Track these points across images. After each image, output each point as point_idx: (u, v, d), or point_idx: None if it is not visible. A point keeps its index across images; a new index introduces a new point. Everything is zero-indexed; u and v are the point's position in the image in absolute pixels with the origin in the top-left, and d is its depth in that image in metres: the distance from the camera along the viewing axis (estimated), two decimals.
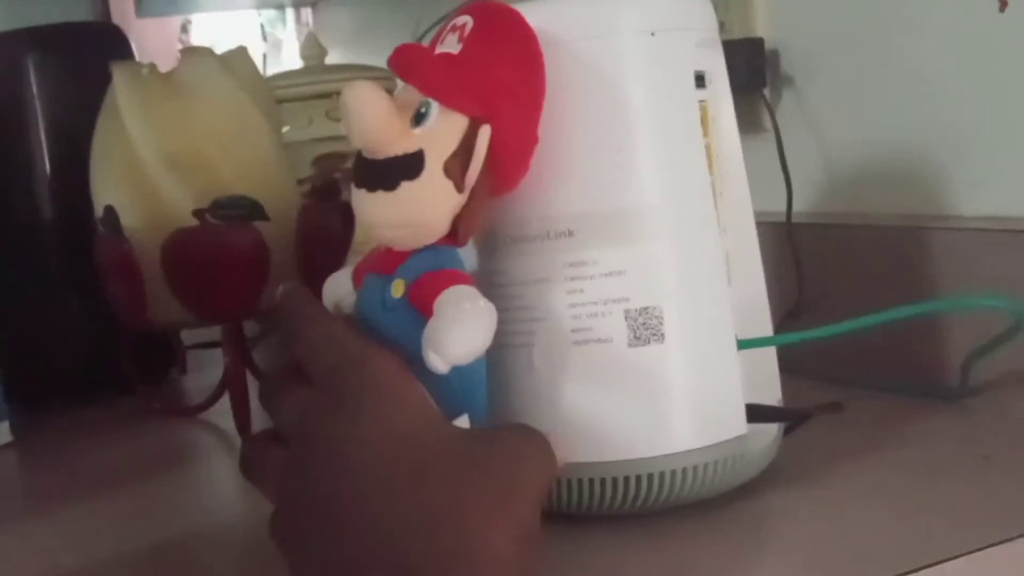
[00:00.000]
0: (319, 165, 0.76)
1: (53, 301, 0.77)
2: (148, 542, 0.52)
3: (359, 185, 0.41)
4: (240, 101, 0.65)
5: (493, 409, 0.42)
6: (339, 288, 0.47)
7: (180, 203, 0.62)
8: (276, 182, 0.66)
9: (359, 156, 0.41)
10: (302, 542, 0.36)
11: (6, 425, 0.69)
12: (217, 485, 0.62)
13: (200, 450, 0.69)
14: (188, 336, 0.80)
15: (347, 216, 0.72)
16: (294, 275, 0.66)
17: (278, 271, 0.63)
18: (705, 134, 0.47)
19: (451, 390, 0.39)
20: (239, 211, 0.62)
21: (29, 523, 0.57)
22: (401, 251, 0.41)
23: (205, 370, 0.80)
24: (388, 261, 0.42)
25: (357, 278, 0.45)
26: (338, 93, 0.87)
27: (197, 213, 0.62)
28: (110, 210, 0.63)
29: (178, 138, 0.64)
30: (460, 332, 0.37)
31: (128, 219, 0.63)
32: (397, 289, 0.41)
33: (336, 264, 0.70)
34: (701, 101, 0.47)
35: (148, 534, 0.53)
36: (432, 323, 0.38)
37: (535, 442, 0.38)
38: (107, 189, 0.64)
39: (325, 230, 0.68)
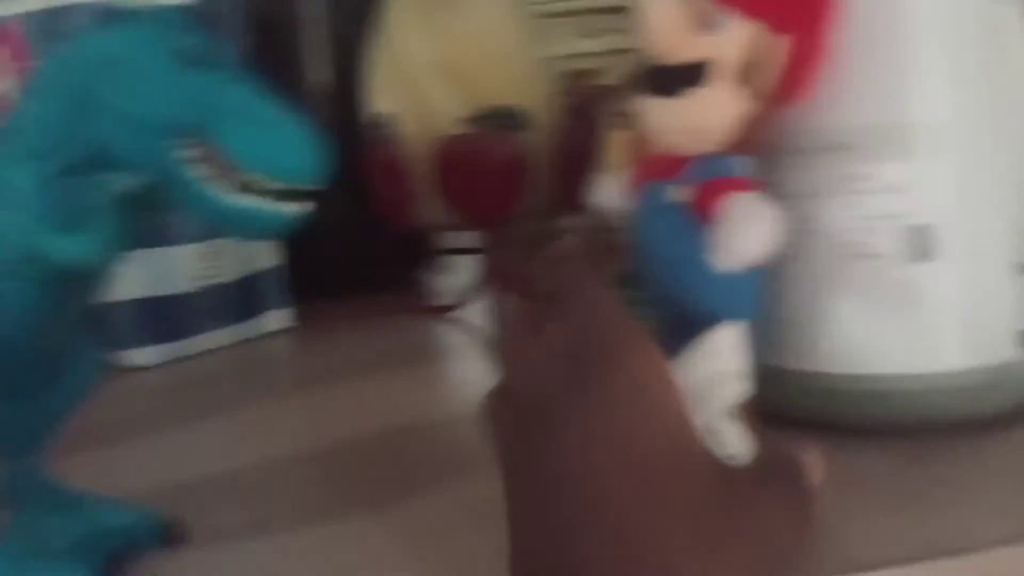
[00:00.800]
0: (571, 82, 0.78)
1: (328, 201, 0.82)
2: (381, 427, 0.56)
3: (645, 90, 0.42)
4: (505, 14, 0.67)
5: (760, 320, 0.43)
6: (607, 194, 0.49)
7: (450, 112, 0.66)
8: (537, 95, 0.68)
9: (647, 62, 0.42)
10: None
11: (285, 312, 0.75)
12: (458, 381, 0.66)
13: (449, 347, 0.74)
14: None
15: (599, 132, 0.74)
16: (548, 186, 0.69)
17: (534, 181, 0.66)
18: (996, 47, 0.45)
19: (725, 294, 0.41)
20: (505, 121, 0.64)
21: (292, 401, 0.63)
22: (682, 157, 0.42)
23: (456, 273, 0.84)
24: (668, 167, 0.43)
25: (628, 182, 0.47)
26: (587, 11, 0.88)
27: (466, 121, 0.65)
28: (383, 116, 0.67)
29: (447, 49, 0.67)
30: (749, 232, 0.38)
31: (402, 126, 0.67)
32: (676, 194, 0.42)
33: (585, 180, 0.73)
34: (991, 12, 0.45)
35: (388, 419, 0.57)
36: (720, 224, 0.39)
37: (798, 501, 0.34)
38: (380, 96, 0.69)
39: (578, 145, 0.70)
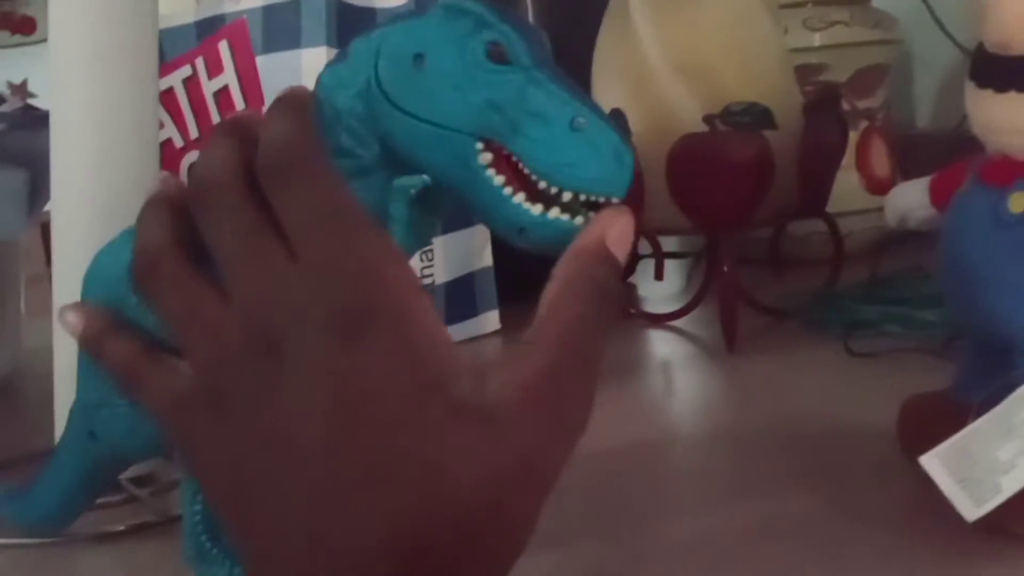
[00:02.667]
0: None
1: None
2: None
3: (983, 84, 0.37)
4: (749, 6, 0.63)
5: None
6: (908, 199, 0.44)
7: (687, 109, 0.62)
8: (781, 90, 0.63)
9: (985, 52, 0.37)
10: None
11: (495, 314, 0.73)
12: (678, 396, 0.62)
13: (670, 358, 0.69)
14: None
15: (843, 130, 0.68)
16: (794, 186, 0.64)
17: (779, 181, 0.61)
18: None
19: None
20: (750, 119, 0.60)
21: None
22: (1022, 161, 0.37)
23: (674, 280, 0.80)
24: (1003, 171, 0.38)
25: (938, 189, 0.42)
26: (813, 2, 0.83)
27: (708, 119, 0.61)
28: (618, 113, 0.64)
29: (687, 43, 0.63)
30: None
31: (634, 122, 0.63)
32: (1017, 203, 0.37)
33: (832, 177, 0.68)
34: None
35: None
36: None
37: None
38: (613, 92, 0.65)
39: (825, 141, 0.65)
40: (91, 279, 0.36)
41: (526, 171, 0.29)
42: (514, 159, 0.29)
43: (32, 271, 0.77)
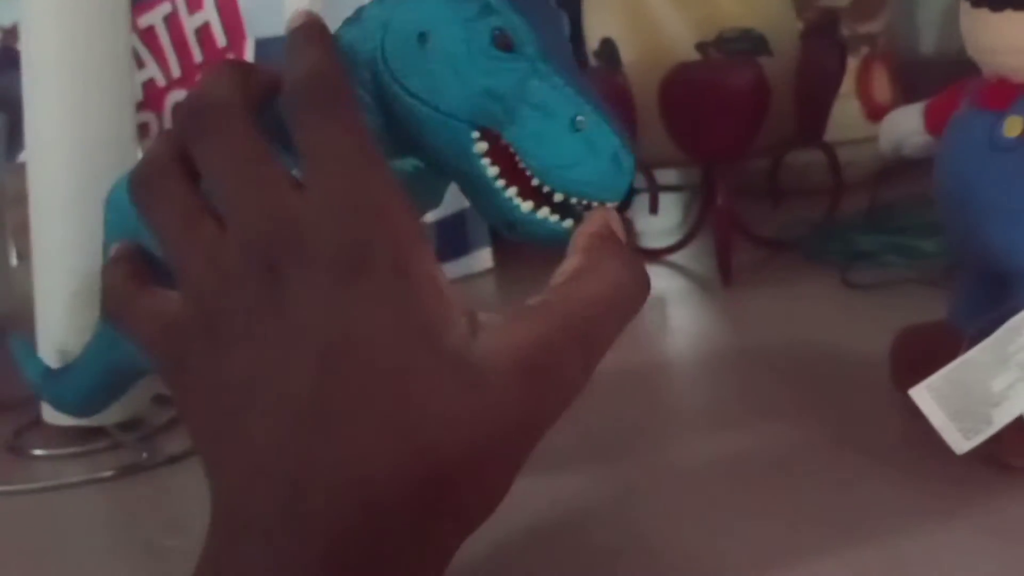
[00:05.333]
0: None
1: None
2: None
3: (979, 3, 0.35)
4: None
5: None
6: (903, 125, 0.42)
7: (681, 36, 0.60)
8: (777, 15, 0.62)
9: None
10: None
11: (488, 251, 0.72)
12: (673, 330, 0.62)
13: (665, 292, 0.69)
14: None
15: (842, 55, 0.67)
16: (791, 114, 0.62)
17: (775, 110, 0.60)
18: None
19: None
20: (744, 45, 0.58)
21: None
22: (1018, 83, 0.36)
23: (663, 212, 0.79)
24: (999, 94, 0.36)
25: (933, 114, 0.41)
26: None
27: (701, 47, 0.59)
28: (608, 43, 0.62)
29: None
30: None
31: (626, 52, 0.61)
32: (1013, 127, 0.36)
33: (830, 104, 0.66)
34: None
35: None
36: None
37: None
38: (604, 21, 0.63)
39: (822, 68, 0.63)
40: (110, 206, 0.35)
41: (521, 165, 0.28)
42: (511, 150, 0.28)
43: (23, 217, 0.76)
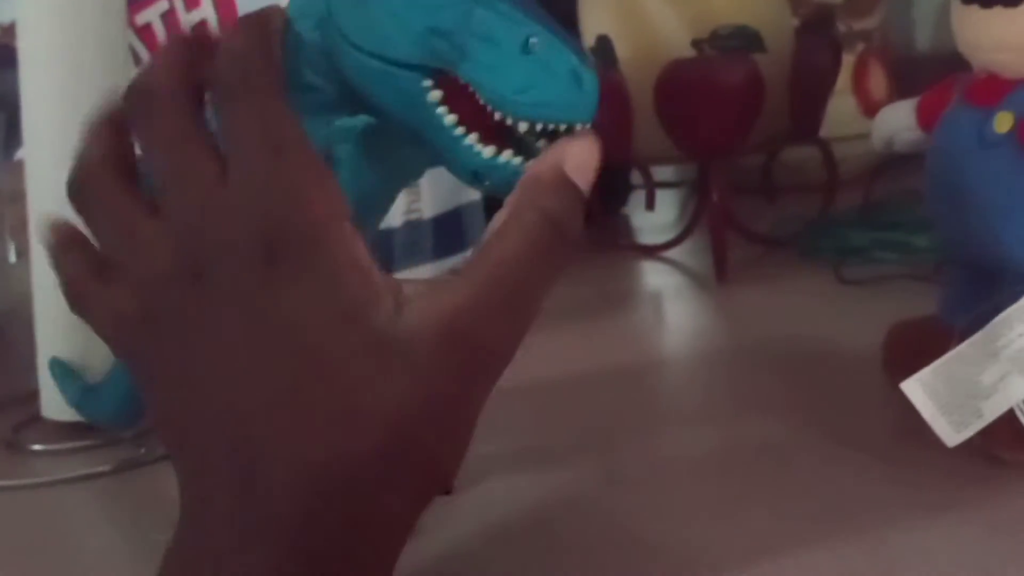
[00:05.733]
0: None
1: None
2: (581, 368, 0.52)
3: (968, 0, 0.36)
4: None
5: None
6: (895, 120, 0.43)
7: (676, 33, 0.60)
8: (771, 13, 0.62)
9: None
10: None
11: None
12: (668, 326, 0.62)
13: (660, 289, 0.69)
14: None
15: (837, 52, 0.67)
16: (785, 111, 0.62)
17: (770, 106, 0.60)
18: None
19: None
20: (739, 42, 0.59)
21: None
22: (1008, 79, 0.36)
23: (660, 209, 0.79)
24: (989, 90, 0.37)
25: (925, 110, 0.41)
26: None
27: (696, 44, 0.59)
28: (604, 40, 0.62)
29: None
30: None
31: (622, 49, 0.62)
32: (1002, 123, 0.36)
33: (825, 101, 0.66)
34: None
35: (588, 361, 0.53)
36: None
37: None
38: (599, 19, 0.64)
39: (817, 65, 0.63)
40: None
41: (481, 102, 0.27)
42: (469, 92, 0.27)
43: (22, 214, 0.76)
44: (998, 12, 0.35)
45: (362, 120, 0.30)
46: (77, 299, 0.29)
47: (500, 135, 0.27)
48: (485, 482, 0.40)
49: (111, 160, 0.28)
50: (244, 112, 0.26)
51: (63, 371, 0.46)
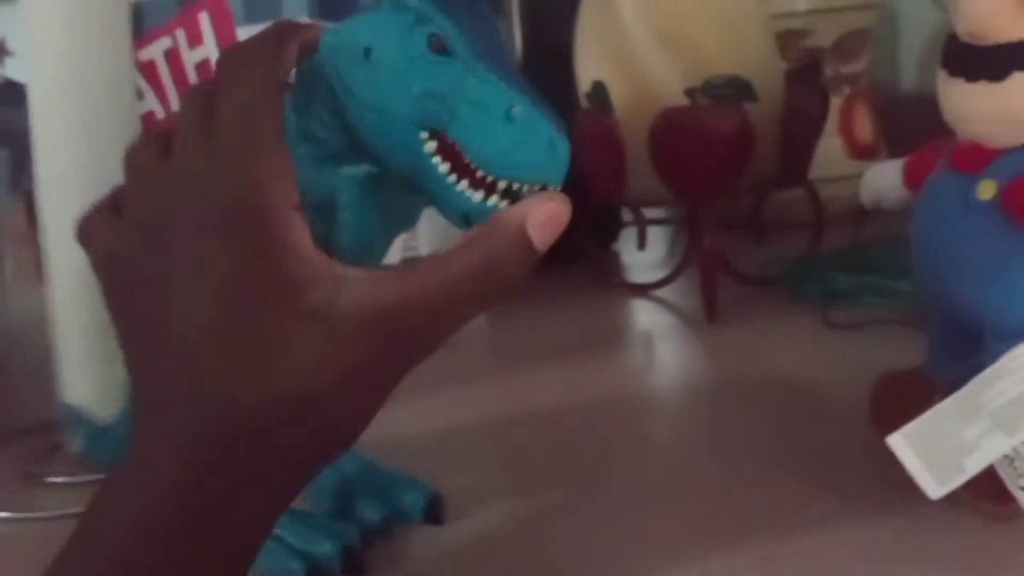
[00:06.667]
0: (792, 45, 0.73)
1: None
2: (572, 403, 0.54)
3: (955, 73, 0.37)
4: None
5: None
6: (883, 180, 0.44)
7: (669, 81, 0.62)
8: (762, 62, 0.64)
9: (956, 41, 0.38)
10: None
11: None
12: (657, 366, 0.63)
13: (651, 327, 0.70)
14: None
15: (825, 99, 0.69)
16: (775, 157, 0.64)
17: (760, 151, 0.62)
18: None
19: None
20: (731, 91, 0.60)
21: (484, 372, 0.62)
22: (992, 149, 0.38)
23: (654, 248, 0.81)
24: (973, 159, 0.38)
25: (912, 173, 0.43)
26: None
27: (689, 92, 0.61)
28: (599, 86, 0.64)
29: (668, 14, 0.63)
30: None
31: (617, 95, 0.63)
32: (986, 190, 0.37)
33: (813, 146, 0.68)
34: None
35: (578, 397, 0.55)
36: None
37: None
38: (595, 65, 0.65)
39: (806, 112, 0.65)
40: None
41: (466, 159, 0.30)
42: (458, 148, 0.30)
43: (16, 237, 0.77)
44: (983, 86, 0.36)
45: (364, 168, 0.33)
46: (85, 233, 0.33)
47: (484, 183, 0.30)
48: (473, 514, 0.41)
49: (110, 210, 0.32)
50: (236, 90, 0.29)
51: (73, 417, 0.47)
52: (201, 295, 0.29)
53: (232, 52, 0.31)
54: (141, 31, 0.68)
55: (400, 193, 0.33)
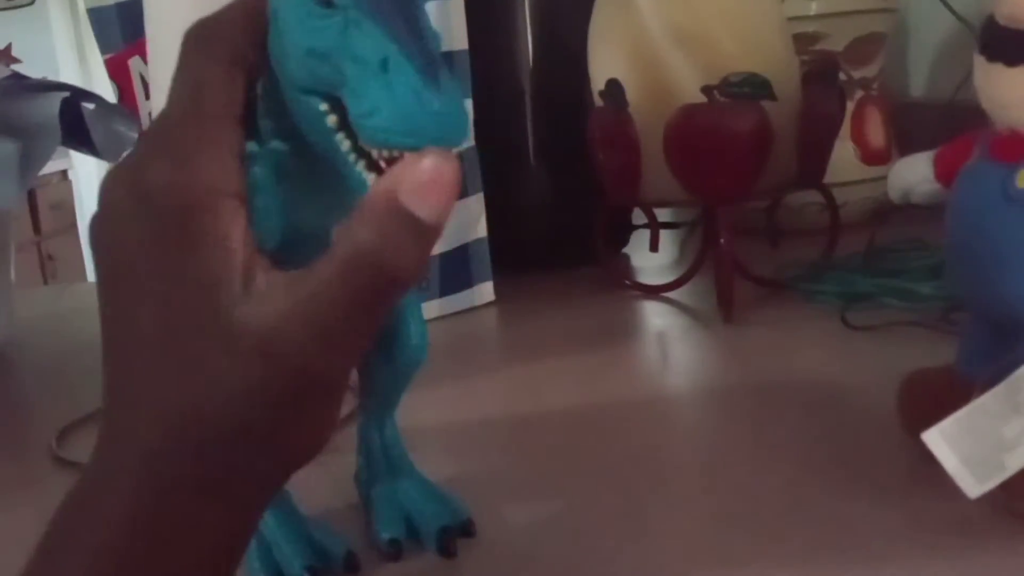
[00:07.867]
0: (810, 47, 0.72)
1: (530, 175, 0.79)
2: (581, 406, 0.53)
3: (994, 58, 0.37)
4: None
5: None
6: (912, 174, 0.43)
7: (685, 79, 0.61)
8: (781, 60, 0.63)
9: (995, 25, 0.37)
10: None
11: (490, 285, 0.72)
12: (672, 367, 0.62)
13: (666, 328, 0.69)
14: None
15: (842, 101, 0.68)
16: (792, 157, 0.63)
17: (778, 153, 0.61)
18: None
19: None
20: (749, 89, 0.59)
21: (498, 374, 0.61)
22: None
23: (668, 250, 0.80)
24: (1012, 147, 0.37)
25: (943, 163, 0.42)
26: None
27: (706, 90, 0.60)
28: (614, 84, 0.63)
29: (685, 12, 0.62)
30: None
31: (632, 93, 0.62)
32: None
33: (830, 148, 0.67)
34: None
35: (586, 400, 0.54)
36: None
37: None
38: (610, 62, 0.64)
39: (823, 112, 0.64)
40: None
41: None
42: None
43: (19, 240, 0.76)
44: (1023, 71, 0.36)
45: (272, 146, 0.29)
46: (109, 178, 0.30)
47: (375, 162, 0.26)
48: (485, 514, 0.40)
49: None
50: (188, 67, 0.28)
51: None
52: (142, 291, 0.27)
53: (194, 27, 0.29)
54: (137, 37, 0.67)
55: (331, 176, 0.28)
